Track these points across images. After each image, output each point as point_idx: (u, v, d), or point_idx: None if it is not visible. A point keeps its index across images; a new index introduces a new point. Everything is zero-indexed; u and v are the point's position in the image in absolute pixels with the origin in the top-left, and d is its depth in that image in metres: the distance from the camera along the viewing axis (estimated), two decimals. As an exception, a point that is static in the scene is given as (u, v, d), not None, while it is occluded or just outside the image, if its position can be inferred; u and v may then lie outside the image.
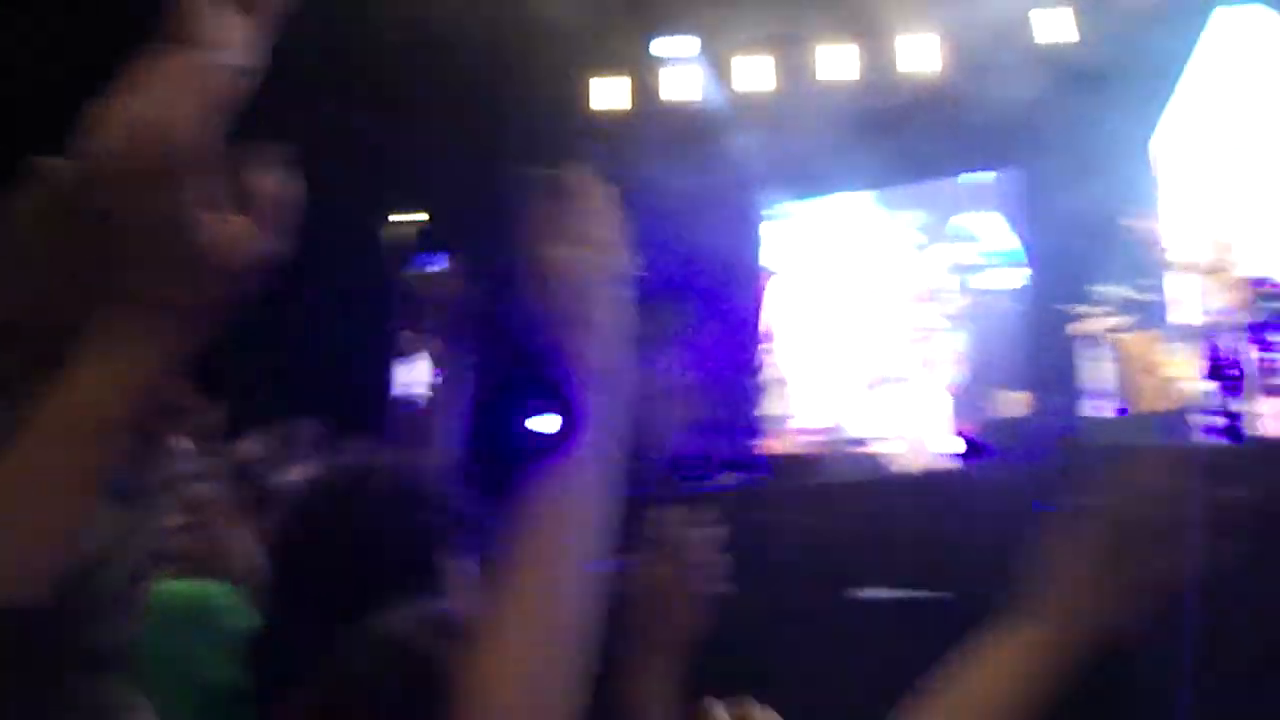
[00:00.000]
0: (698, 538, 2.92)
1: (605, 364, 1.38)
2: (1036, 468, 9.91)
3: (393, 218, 16.62)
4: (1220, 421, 9.72)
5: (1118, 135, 14.98)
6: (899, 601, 8.07)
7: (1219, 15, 15.32)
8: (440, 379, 3.40)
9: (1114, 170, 15.42)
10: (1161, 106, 15.95)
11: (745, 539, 8.59)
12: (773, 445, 15.53)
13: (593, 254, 1.45)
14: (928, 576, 8.27)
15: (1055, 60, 15.86)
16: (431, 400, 3.42)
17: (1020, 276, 17.63)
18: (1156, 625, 1.80)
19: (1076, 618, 1.67)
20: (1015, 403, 14.38)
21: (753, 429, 16.02)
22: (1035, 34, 16.16)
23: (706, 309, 17.32)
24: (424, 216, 16.72)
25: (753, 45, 17.76)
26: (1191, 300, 10.79)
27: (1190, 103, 15.80)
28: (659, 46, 17.68)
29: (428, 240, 16.44)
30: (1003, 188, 18.25)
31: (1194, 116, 15.78)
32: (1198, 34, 15.65)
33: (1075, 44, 15.91)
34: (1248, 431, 9.50)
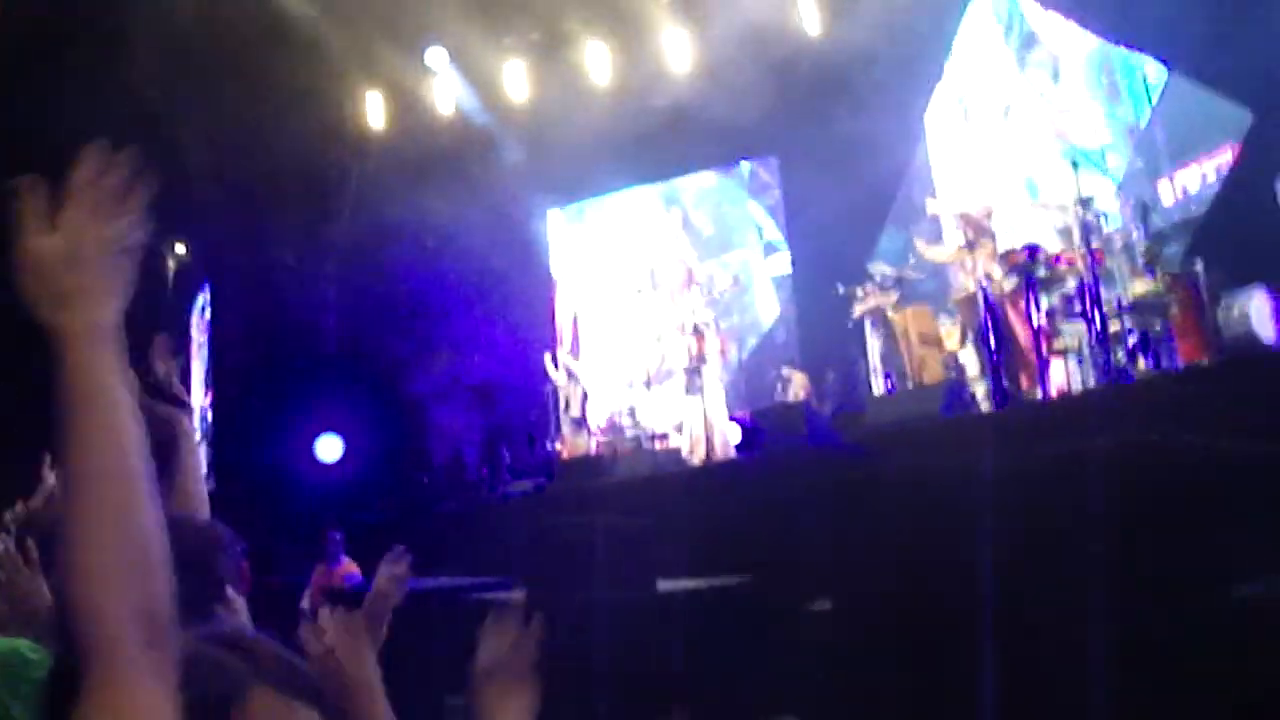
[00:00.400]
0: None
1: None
2: (818, 448, 10.05)
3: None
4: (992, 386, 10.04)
5: (881, 118, 15.29)
6: (695, 592, 8.09)
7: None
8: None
9: (879, 151, 15.79)
10: (929, 87, 16.41)
11: (538, 542, 8.55)
12: (562, 449, 15.54)
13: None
14: (715, 565, 8.33)
15: (811, 49, 16.13)
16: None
17: (785, 261, 17.96)
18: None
19: None
20: (794, 385, 14.58)
21: (543, 433, 16.00)
22: (790, 24, 16.38)
23: (494, 317, 17.32)
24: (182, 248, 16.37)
25: (509, 52, 17.72)
26: (960, 272, 11.09)
27: (956, 81, 16.31)
28: (428, 58, 17.54)
29: (187, 270, 16.11)
30: (762, 177, 18.57)
31: (959, 93, 16.30)
32: (958, 16, 16.15)
33: (832, 34, 16.16)
34: (1015, 394, 9.83)
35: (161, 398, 3.17)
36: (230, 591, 2.58)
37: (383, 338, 17.06)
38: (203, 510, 3.13)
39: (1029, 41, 15.82)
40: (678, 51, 17.30)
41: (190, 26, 14.20)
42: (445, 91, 18.00)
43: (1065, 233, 11.68)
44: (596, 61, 17.67)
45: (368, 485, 16.27)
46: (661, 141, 17.34)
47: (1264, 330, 9.65)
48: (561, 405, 15.96)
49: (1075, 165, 10.70)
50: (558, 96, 17.70)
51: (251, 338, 14.61)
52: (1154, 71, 14.26)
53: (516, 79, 17.85)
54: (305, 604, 11.54)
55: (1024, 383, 10.13)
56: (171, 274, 16.23)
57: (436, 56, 17.57)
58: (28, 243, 1.54)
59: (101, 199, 1.60)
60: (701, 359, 13.84)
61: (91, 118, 12.61)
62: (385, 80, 17.67)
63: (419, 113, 17.85)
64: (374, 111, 17.92)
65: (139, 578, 1.41)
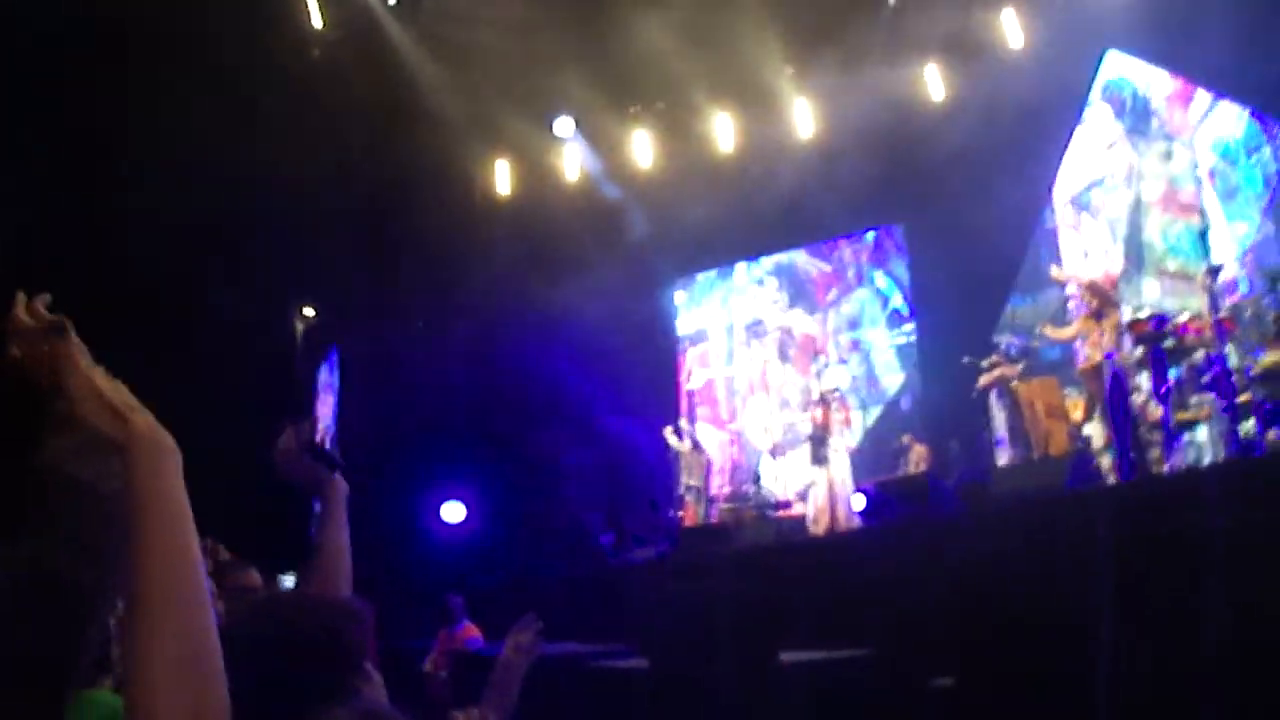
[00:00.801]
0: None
1: None
2: (944, 519, 10.00)
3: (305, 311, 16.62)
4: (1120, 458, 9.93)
5: (1007, 187, 15.28)
6: (821, 662, 8.07)
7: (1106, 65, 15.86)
8: (320, 511, 3.39)
9: (1006, 220, 15.76)
10: (1057, 159, 16.37)
11: (661, 610, 8.60)
12: (685, 516, 15.58)
13: None
14: (843, 635, 8.31)
15: (937, 119, 16.18)
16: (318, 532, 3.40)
17: (910, 331, 17.91)
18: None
19: None
20: (914, 455, 14.51)
21: (667, 501, 16.08)
22: (920, 92, 16.49)
23: (618, 386, 17.45)
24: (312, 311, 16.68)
25: (635, 121, 17.97)
26: (1085, 343, 11.00)
27: (1083, 149, 16.26)
28: (555, 127, 17.89)
29: (316, 333, 16.41)
30: (889, 246, 18.56)
31: (1085, 162, 16.24)
32: (1084, 84, 16.12)
33: (956, 103, 16.23)
34: (1144, 468, 9.70)
35: (321, 460, 3.23)
36: (369, 666, 2.66)
37: (507, 405, 17.24)
38: (345, 583, 3.18)
39: (1143, 111, 15.75)
40: (804, 121, 17.47)
41: (323, 98, 14.65)
42: (572, 160, 18.30)
43: (1193, 302, 11.59)
44: (723, 131, 17.88)
45: (491, 550, 16.40)
46: (789, 212, 17.43)
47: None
48: (685, 474, 16.02)
49: (1203, 235, 10.61)
50: (683, 167, 17.92)
51: (377, 402, 14.83)
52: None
53: (643, 148, 18.15)
54: (428, 667, 11.68)
55: (1152, 455, 9.99)
56: (300, 334, 16.52)
57: (563, 126, 17.89)
58: (80, 369, 1.64)
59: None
60: (827, 429, 13.85)
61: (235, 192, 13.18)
62: (513, 149, 18.02)
63: (547, 182, 18.15)
64: (502, 180, 18.25)
65: (195, 685, 1.48)
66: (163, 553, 1.52)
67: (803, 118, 17.54)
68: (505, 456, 17.09)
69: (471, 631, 11.78)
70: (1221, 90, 14.81)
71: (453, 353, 17.15)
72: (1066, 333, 11.94)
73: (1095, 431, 10.90)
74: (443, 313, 17.57)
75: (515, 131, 17.33)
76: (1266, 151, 14.15)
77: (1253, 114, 14.33)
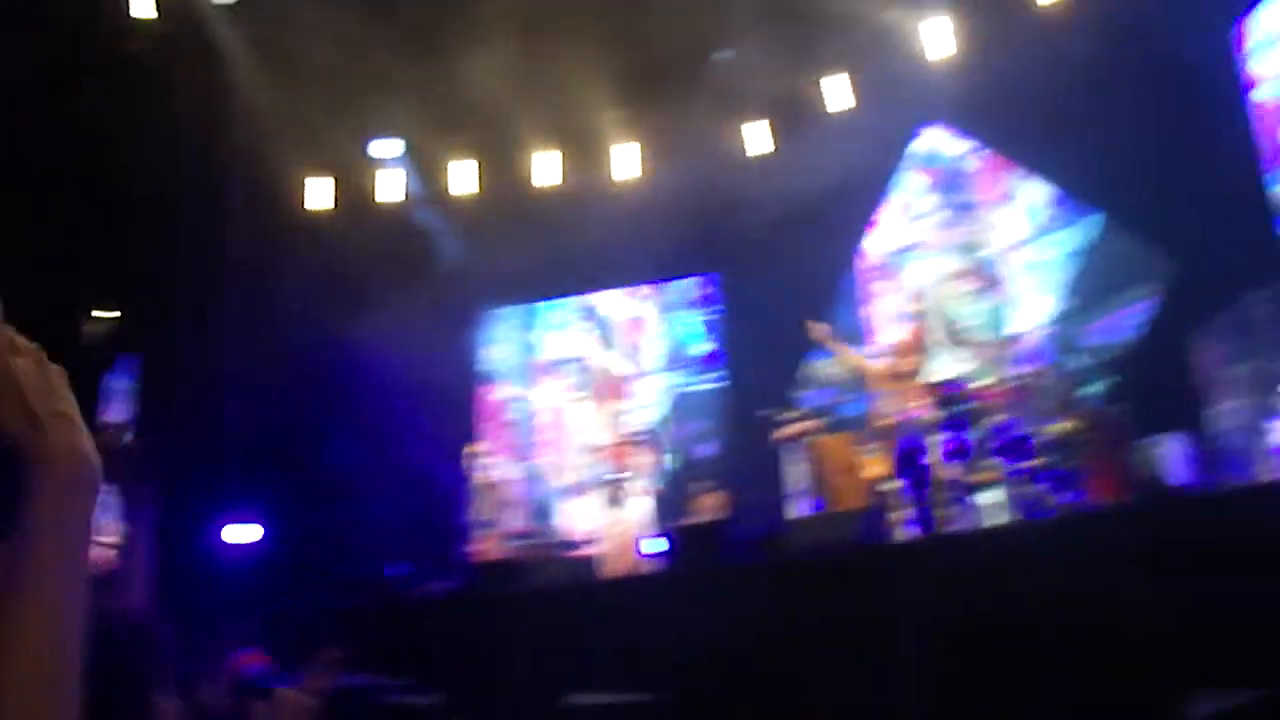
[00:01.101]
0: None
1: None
2: (739, 568, 10.10)
3: (94, 314, 16.02)
4: (911, 516, 10.16)
5: (821, 248, 15.65)
6: (608, 706, 8.07)
7: (924, 136, 16.34)
8: (128, 527, 3.27)
9: (813, 279, 16.09)
10: (867, 223, 16.80)
11: (451, 647, 8.52)
12: (479, 551, 15.46)
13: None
14: (633, 679, 8.32)
15: (758, 171, 16.46)
16: (123, 549, 3.27)
17: (718, 380, 18.11)
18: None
19: None
20: (716, 504, 14.62)
21: (461, 534, 15.92)
22: (740, 146, 16.75)
23: (423, 412, 17.21)
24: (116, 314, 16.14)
25: (460, 149, 17.87)
26: (883, 403, 11.24)
27: (896, 219, 16.72)
28: (374, 148, 17.66)
29: (117, 339, 15.87)
30: (701, 294, 18.76)
31: (897, 232, 16.71)
32: (901, 152, 16.59)
33: (777, 156, 16.56)
34: (936, 526, 9.95)
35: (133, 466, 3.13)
36: (162, 697, 2.53)
37: (308, 426, 16.84)
38: (146, 595, 3.07)
39: (956, 184, 16.29)
40: (627, 165, 17.61)
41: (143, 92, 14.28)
42: (392, 183, 18.08)
43: (990, 369, 11.96)
44: (546, 168, 17.90)
45: (281, 574, 15.95)
46: (605, 253, 17.52)
47: (1173, 474, 9.93)
48: (480, 507, 15.87)
49: (1002, 307, 10.95)
50: (504, 201, 17.86)
51: (176, 413, 14.41)
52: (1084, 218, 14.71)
53: (464, 178, 18.05)
54: (206, 694, 11.34)
55: (943, 514, 10.24)
56: (89, 338, 15.94)
57: (387, 148, 17.69)
58: (6, 363, 1.47)
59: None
60: (628, 471, 13.89)
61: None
62: (333, 166, 17.69)
63: (365, 202, 17.87)
64: (320, 196, 17.90)
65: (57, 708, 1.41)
66: (43, 599, 1.40)
67: (627, 162, 17.71)
68: (303, 480, 16.68)
69: (255, 658, 11.49)
70: (1030, 169, 15.41)
71: (256, 368, 16.71)
72: (857, 359, 12.08)
73: (892, 489, 11.13)
74: (251, 326, 17.10)
75: (338, 149, 17.02)
76: (1068, 232, 14.77)
77: (1058, 194, 14.95)
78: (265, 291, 16.53)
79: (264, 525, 16.55)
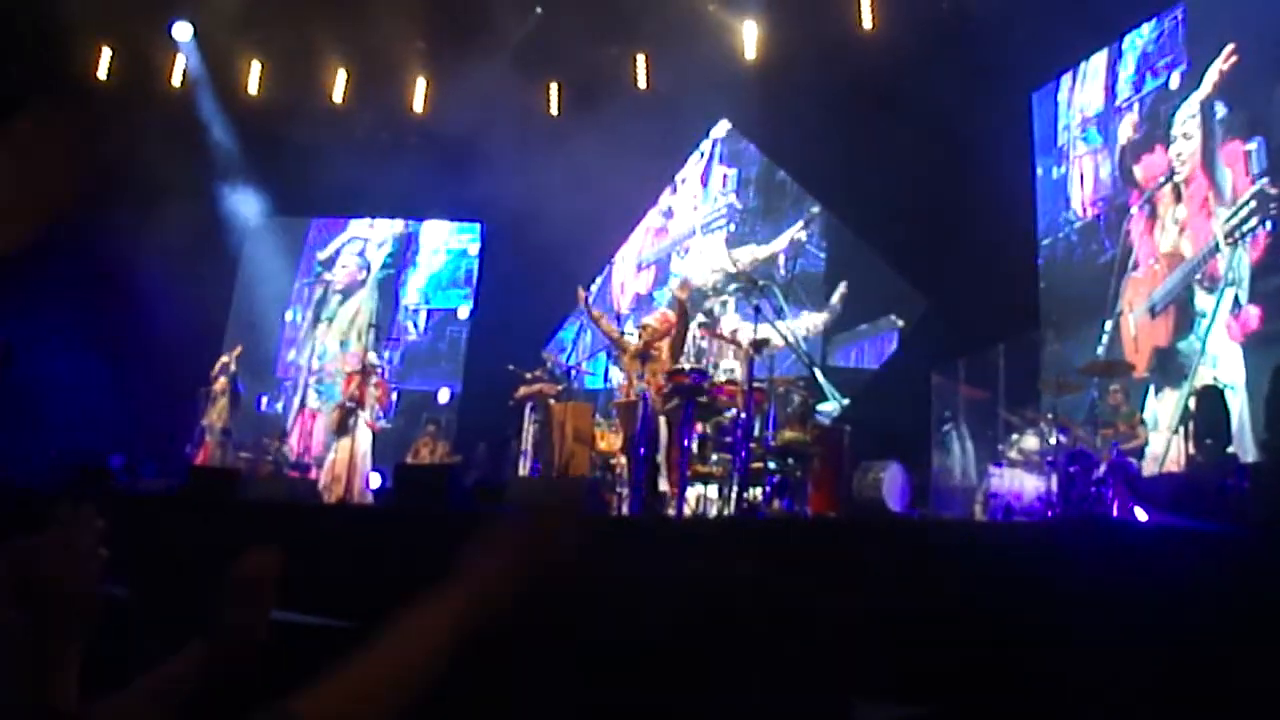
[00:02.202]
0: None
1: None
2: (453, 514, 10.08)
3: None
4: (631, 495, 10.29)
5: (594, 217, 15.73)
6: (301, 626, 7.96)
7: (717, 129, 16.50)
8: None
9: (582, 247, 16.16)
10: (652, 191, 16.96)
11: (156, 546, 8.30)
12: (201, 454, 15.15)
13: None
14: (334, 605, 8.24)
15: (546, 130, 16.48)
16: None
17: (463, 325, 18.12)
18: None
19: (484, 592, 1.97)
20: (439, 450, 14.59)
21: (186, 436, 15.58)
22: (531, 104, 16.72)
23: (173, 303, 16.65)
24: None
25: (250, 46, 17.38)
26: (627, 381, 11.32)
27: (672, 194, 16.93)
28: (174, 30, 17.06)
29: None
30: (466, 240, 18.73)
31: (681, 222, 16.92)
32: (691, 141, 16.78)
33: (567, 120, 16.61)
34: (651, 506, 10.09)
35: None
36: None
37: (44, 300, 16.09)
38: None
39: (747, 188, 16.63)
40: (418, 98, 17.43)
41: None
42: (182, 67, 17.50)
43: (734, 368, 12.16)
44: (337, 84, 17.57)
45: None
46: (382, 179, 17.31)
47: (891, 500, 10.25)
48: (214, 413, 15.53)
49: (757, 310, 11.11)
50: (290, 108, 17.46)
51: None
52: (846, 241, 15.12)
53: (254, 76, 17.57)
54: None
55: (665, 497, 10.35)
56: None
57: (182, 30, 17.09)
58: None
59: None
60: (361, 401, 13.74)
61: None
62: (123, 39, 17.03)
63: (149, 81, 17.25)
64: (102, 66, 17.21)
65: None
66: None
67: (418, 94, 17.51)
68: (34, 344, 15.95)
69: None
70: (804, 185, 15.78)
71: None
72: (612, 330, 12.14)
73: (620, 465, 11.23)
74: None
75: (128, 20, 16.39)
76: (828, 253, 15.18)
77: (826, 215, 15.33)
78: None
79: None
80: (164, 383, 16.38)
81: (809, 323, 15.16)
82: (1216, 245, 11.19)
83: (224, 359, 15.71)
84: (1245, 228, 10.84)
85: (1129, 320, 12.09)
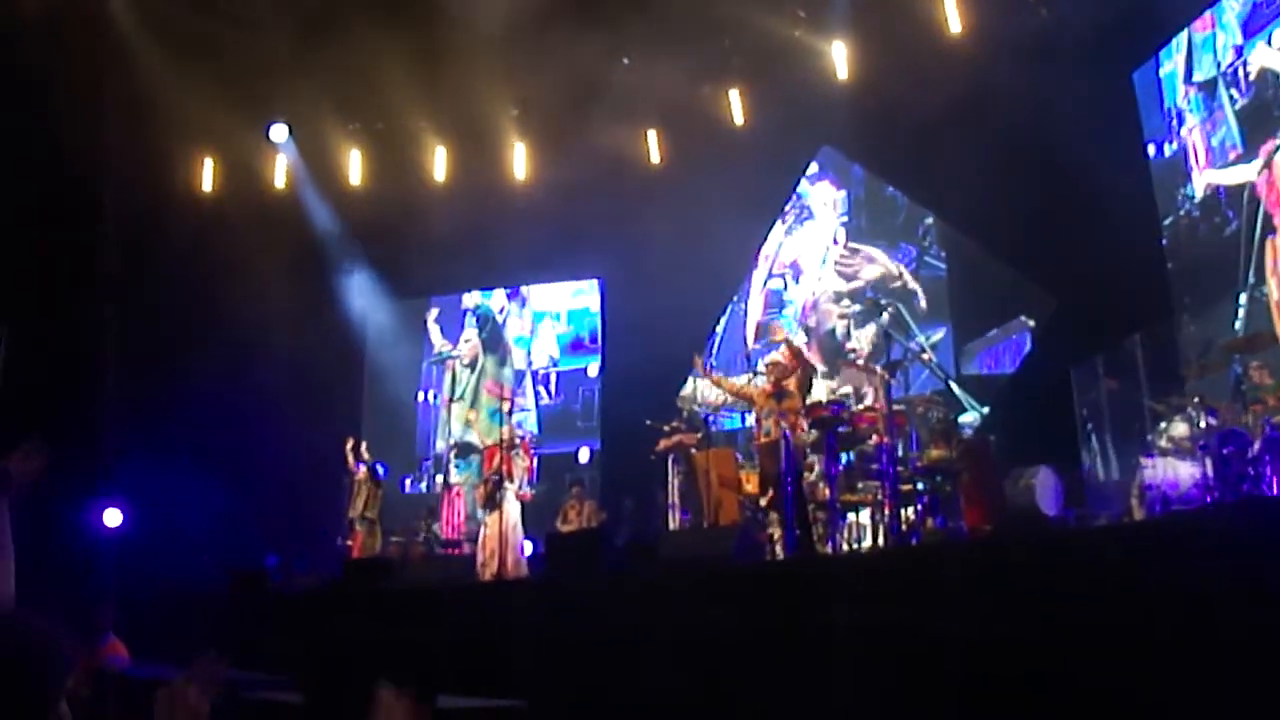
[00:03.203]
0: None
1: None
2: (610, 577, 10.09)
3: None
4: (785, 535, 10.24)
5: (711, 261, 15.78)
6: (477, 710, 8.01)
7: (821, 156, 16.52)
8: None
9: (702, 292, 16.21)
10: (763, 234, 16.96)
11: (323, 643, 8.44)
12: (353, 545, 15.32)
13: None
14: (502, 684, 8.29)
15: (652, 181, 16.57)
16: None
17: (598, 387, 18.20)
18: None
19: None
20: (578, 511, 14.62)
21: (334, 528, 15.78)
22: (631, 154, 16.83)
23: (305, 404, 16.93)
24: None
25: (347, 137, 17.72)
26: (763, 421, 11.29)
27: (784, 236, 16.92)
28: (270, 132, 17.45)
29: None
30: (587, 298, 18.84)
31: (794, 253, 16.93)
32: (796, 171, 16.76)
33: (673, 168, 16.70)
34: (808, 546, 10.03)
35: None
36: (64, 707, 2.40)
37: (183, 408, 16.38)
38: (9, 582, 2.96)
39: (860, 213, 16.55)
40: (519, 164, 17.63)
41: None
42: (283, 168, 17.94)
43: (873, 394, 12.09)
44: (438, 161, 17.88)
45: (145, 562, 15.49)
46: (494, 250, 17.53)
47: (1046, 505, 10.08)
48: (357, 501, 15.69)
49: (888, 335, 11.08)
50: (393, 192, 17.75)
51: (51, 391, 14.04)
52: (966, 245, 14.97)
53: (355, 166, 17.96)
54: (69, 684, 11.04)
55: (818, 532, 10.30)
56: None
57: (278, 132, 17.50)
58: None
59: None
60: (507, 473, 13.82)
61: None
62: (223, 149, 17.47)
63: (253, 187, 17.64)
64: (206, 178, 17.68)
65: None
66: None
67: (519, 161, 17.71)
68: (173, 464, 16.29)
69: (117, 648, 11.20)
70: (913, 197, 15.66)
71: (135, 346, 16.25)
72: (735, 386, 12.17)
73: (770, 506, 11.19)
74: (133, 305, 16.58)
75: (226, 130, 16.80)
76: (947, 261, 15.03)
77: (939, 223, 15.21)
78: (157, 271, 16.18)
79: (131, 511, 16.15)
80: (309, 480, 16.67)
81: (929, 336, 15.02)
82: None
83: (349, 445, 15.83)
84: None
85: (1272, 283, 11.73)
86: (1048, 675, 5.52)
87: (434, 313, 19.68)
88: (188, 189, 17.41)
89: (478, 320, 19.49)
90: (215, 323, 16.33)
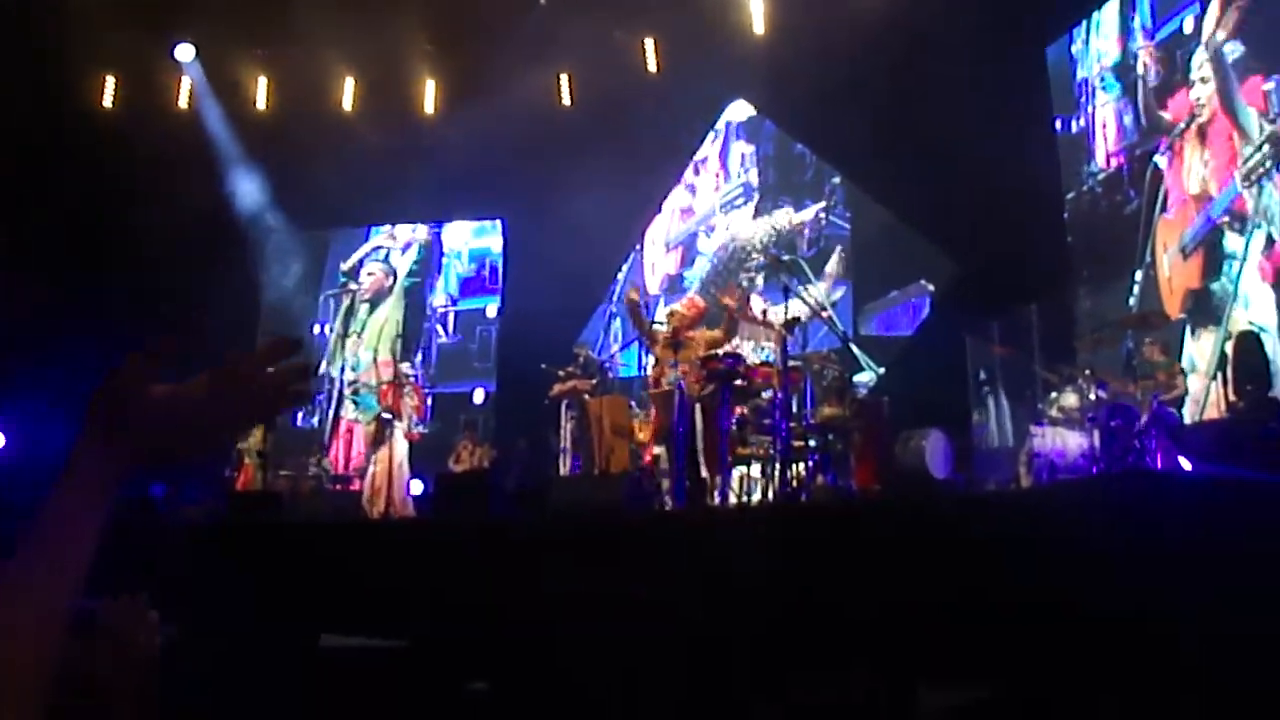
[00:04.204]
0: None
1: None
2: (496, 521, 10.05)
3: None
4: (673, 485, 10.26)
5: (614, 203, 15.68)
6: (360, 650, 7.94)
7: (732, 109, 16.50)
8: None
9: (605, 239, 16.13)
10: (667, 183, 16.92)
11: (202, 575, 8.32)
12: (240, 477, 15.14)
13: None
14: (388, 623, 8.23)
15: (560, 123, 16.45)
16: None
17: (496, 327, 18.11)
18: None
19: None
20: (483, 454, 14.57)
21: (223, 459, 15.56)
22: (541, 95, 16.68)
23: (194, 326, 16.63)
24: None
25: (254, 62, 17.41)
26: (659, 370, 11.28)
27: (692, 182, 16.89)
28: (176, 52, 17.08)
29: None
30: (489, 238, 18.71)
31: (693, 195, 16.89)
32: (707, 121, 16.72)
33: (579, 109, 16.59)
34: (695, 495, 10.06)
35: None
36: None
37: (81, 332, 16.02)
38: None
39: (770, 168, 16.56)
40: (429, 100, 17.43)
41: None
42: (186, 89, 17.55)
43: (768, 347, 12.11)
44: (345, 92, 17.58)
45: (26, 484, 15.14)
46: (396, 185, 17.33)
47: (935, 467, 10.19)
48: (256, 435, 15.49)
49: (787, 292, 11.11)
50: (300, 120, 17.46)
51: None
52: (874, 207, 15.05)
53: (261, 92, 17.62)
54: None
55: (707, 484, 10.32)
56: None
57: (185, 52, 17.12)
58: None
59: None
60: (397, 410, 13.75)
61: None
62: (126, 67, 17.07)
63: (154, 106, 17.28)
64: (106, 95, 17.26)
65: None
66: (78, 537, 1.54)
67: (429, 97, 17.52)
68: (60, 386, 15.87)
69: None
70: (821, 155, 15.71)
71: (27, 263, 15.85)
72: (644, 326, 12.10)
73: (662, 454, 11.19)
74: (29, 222, 16.18)
75: (130, 48, 16.40)
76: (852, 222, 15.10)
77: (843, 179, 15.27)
78: (53, 189, 15.81)
79: (14, 430, 15.85)
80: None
81: (829, 295, 15.08)
82: (1235, 189, 11.07)
83: None
84: (1263, 169, 10.71)
85: (1163, 261, 11.93)
86: (930, 635, 5.58)
87: (335, 245, 19.46)
88: (89, 106, 17.00)
89: (383, 256, 19.29)
90: (112, 243, 15.98)
